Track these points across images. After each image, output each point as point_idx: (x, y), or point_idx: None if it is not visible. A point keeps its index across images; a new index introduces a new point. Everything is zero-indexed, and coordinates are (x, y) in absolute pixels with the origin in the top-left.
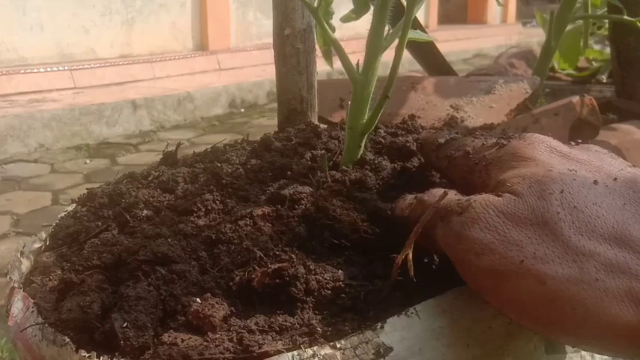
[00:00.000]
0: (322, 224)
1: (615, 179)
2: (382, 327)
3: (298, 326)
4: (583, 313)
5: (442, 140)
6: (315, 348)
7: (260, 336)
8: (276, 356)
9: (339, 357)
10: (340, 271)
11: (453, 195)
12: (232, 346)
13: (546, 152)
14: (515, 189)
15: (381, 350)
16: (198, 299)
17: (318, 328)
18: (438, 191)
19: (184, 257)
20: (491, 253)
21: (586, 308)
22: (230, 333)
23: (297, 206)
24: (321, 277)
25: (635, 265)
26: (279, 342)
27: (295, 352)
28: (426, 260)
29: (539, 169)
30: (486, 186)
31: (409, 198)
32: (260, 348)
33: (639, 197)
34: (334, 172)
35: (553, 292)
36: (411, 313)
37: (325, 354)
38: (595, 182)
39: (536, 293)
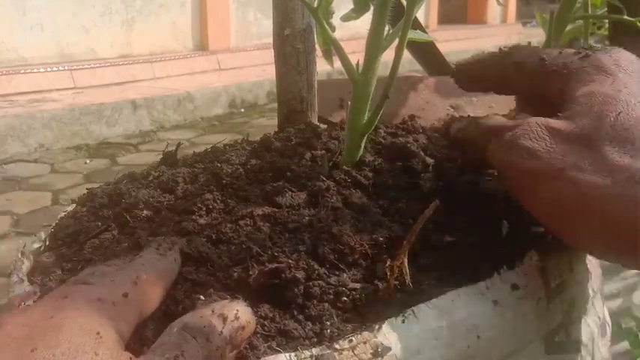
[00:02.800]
0: (321, 237)
1: None
2: (380, 327)
3: (300, 328)
4: (608, 212)
5: (507, 49)
6: (312, 349)
7: (265, 343)
8: (273, 356)
9: (336, 357)
10: (345, 275)
11: (501, 120)
12: None
13: (628, 70)
14: (578, 111)
15: (379, 349)
16: (201, 296)
17: (319, 330)
18: (497, 117)
19: (191, 256)
20: (537, 159)
21: (612, 208)
22: None
23: (296, 211)
24: (323, 283)
25: None
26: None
27: (292, 353)
28: (425, 262)
29: (610, 89)
30: (563, 94)
31: (464, 120)
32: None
33: None
34: (335, 171)
35: (584, 193)
36: (409, 314)
37: (323, 354)
38: None
39: (569, 193)
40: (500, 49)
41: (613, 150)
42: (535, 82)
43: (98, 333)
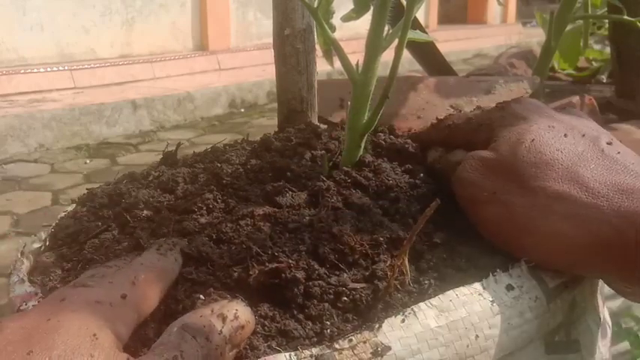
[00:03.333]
0: (321, 237)
1: (583, 135)
2: (380, 327)
3: (300, 328)
4: (533, 226)
5: (440, 117)
6: (312, 349)
7: (265, 343)
8: (272, 356)
9: (336, 357)
10: (345, 275)
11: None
12: None
13: (537, 113)
14: (500, 142)
15: (379, 349)
16: (201, 296)
17: (319, 330)
18: (459, 152)
19: (192, 256)
20: (473, 187)
21: (535, 222)
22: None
23: (297, 211)
24: (323, 283)
25: (576, 194)
26: (287, 345)
27: (292, 353)
28: (424, 261)
29: (525, 126)
30: (490, 140)
31: (439, 151)
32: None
33: (596, 148)
34: (335, 171)
35: (513, 212)
36: (409, 313)
37: (323, 354)
38: (565, 135)
39: (502, 214)
40: (436, 118)
41: (531, 172)
42: (467, 137)
43: (94, 334)
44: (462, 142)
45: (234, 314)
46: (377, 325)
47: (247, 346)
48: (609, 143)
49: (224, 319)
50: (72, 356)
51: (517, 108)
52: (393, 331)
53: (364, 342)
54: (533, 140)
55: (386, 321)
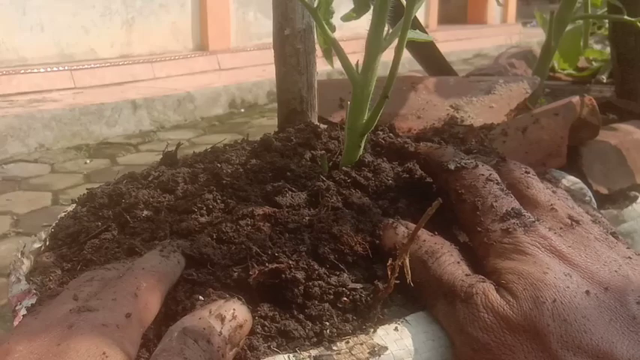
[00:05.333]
0: (321, 237)
1: (606, 289)
2: (375, 331)
3: (300, 328)
4: None
5: (452, 167)
6: (310, 350)
7: (265, 343)
8: (272, 357)
9: (334, 357)
10: (345, 275)
11: (458, 268)
12: None
13: (546, 252)
14: (511, 287)
15: (376, 349)
16: (200, 297)
17: (319, 330)
18: (443, 256)
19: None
20: (487, 353)
21: None
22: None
23: (297, 211)
24: (323, 283)
25: None
26: (287, 346)
27: (291, 354)
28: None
29: (535, 270)
30: (483, 264)
31: (401, 233)
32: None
33: (625, 312)
34: (335, 171)
35: None
36: (401, 322)
37: (321, 355)
38: (587, 293)
39: None
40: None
41: (557, 346)
42: (465, 223)
43: (104, 353)
44: (459, 220)
45: (232, 314)
46: (372, 330)
47: (247, 347)
48: (638, 302)
49: (222, 319)
50: None
51: (522, 241)
52: (388, 335)
53: (361, 344)
54: (554, 302)
55: (380, 327)
